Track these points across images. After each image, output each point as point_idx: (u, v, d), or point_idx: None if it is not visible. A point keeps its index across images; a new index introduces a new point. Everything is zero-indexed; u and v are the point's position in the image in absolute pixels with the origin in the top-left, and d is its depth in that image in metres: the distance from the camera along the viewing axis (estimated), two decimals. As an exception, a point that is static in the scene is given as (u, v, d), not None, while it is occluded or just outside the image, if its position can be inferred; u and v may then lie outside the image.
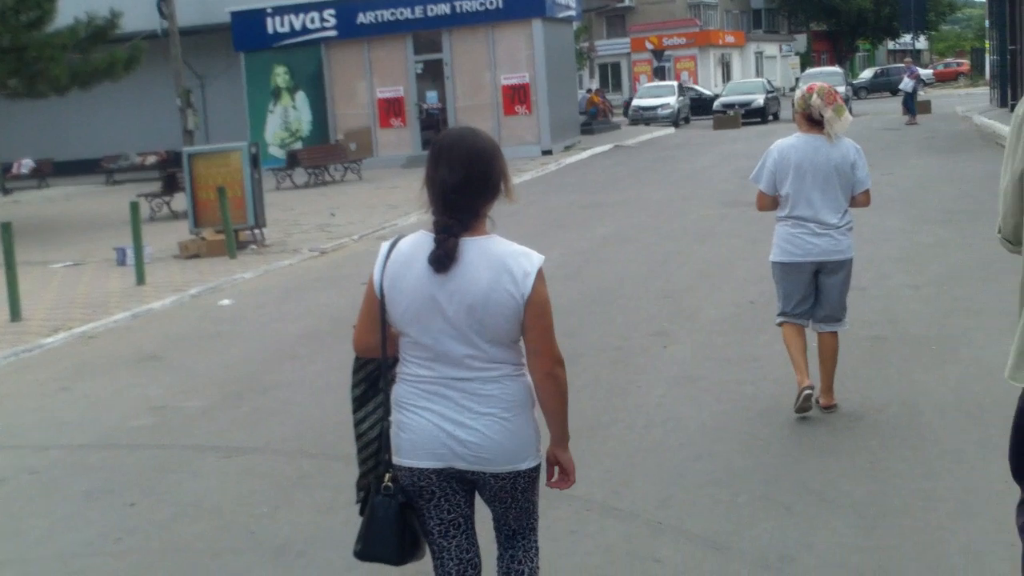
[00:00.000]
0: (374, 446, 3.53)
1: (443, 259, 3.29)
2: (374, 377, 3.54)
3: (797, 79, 58.62)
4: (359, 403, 3.57)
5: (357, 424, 3.58)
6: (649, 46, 66.10)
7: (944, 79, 74.89)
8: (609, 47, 72.46)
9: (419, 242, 3.36)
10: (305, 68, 31.84)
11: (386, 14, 30.91)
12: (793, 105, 6.92)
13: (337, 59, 31.89)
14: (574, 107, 35.46)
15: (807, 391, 6.68)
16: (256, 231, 16.86)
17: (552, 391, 3.44)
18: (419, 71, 31.63)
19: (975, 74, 71.69)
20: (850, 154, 6.62)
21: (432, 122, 31.77)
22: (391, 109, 31.64)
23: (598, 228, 16.24)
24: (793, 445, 6.48)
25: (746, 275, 11.45)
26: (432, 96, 31.75)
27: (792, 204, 6.61)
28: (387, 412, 3.48)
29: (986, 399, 6.93)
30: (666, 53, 65.31)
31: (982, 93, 49.81)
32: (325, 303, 12.17)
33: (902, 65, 72.03)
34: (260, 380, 9.02)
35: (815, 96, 6.56)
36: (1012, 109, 26.16)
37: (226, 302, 12.71)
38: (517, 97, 30.69)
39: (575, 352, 8.80)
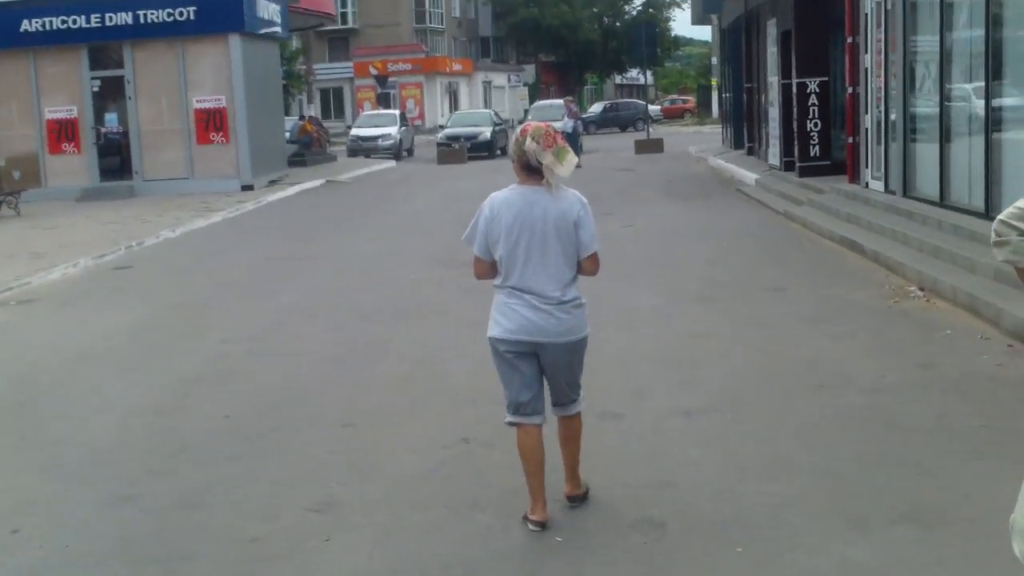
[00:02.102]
0: None
1: None
2: None
3: (526, 110, 56.93)
4: None
5: None
6: (373, 71, 63.12)
7: (671, 116, 75.13)
8: (331, 71, 69.13)
9: None
10: (-43, 80, 27.06)
11: (56, 22, 26.47)
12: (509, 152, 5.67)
13: (-3, 71, 27.26)
14: (280, 136, 31.82)
15: (535, 527, 5.51)
16: None
17: None
18: (96, 89, 27.31)
19: (702, 112, 72.09)
20: (573, 210, 5.41)
21: (112, 148, 27.53)
22: (63, 132, 27.19)
23: (282, 295, 12.83)
24: None
25: (462, 384, 8.33)
26: (112, 118, 27.42)
27: (506, 271, 5.44)
28: None
29: None
30: (391, 79, 62.46)
31: (711, 132, 49.20)
32: None
33: (633, 100, 72.04)
34: None
35: (529, 140, 5.33)
36: (749, 151, 24.44)
37: None
38: (212, 123, 26.86)
39: (177, 559, 5.42)
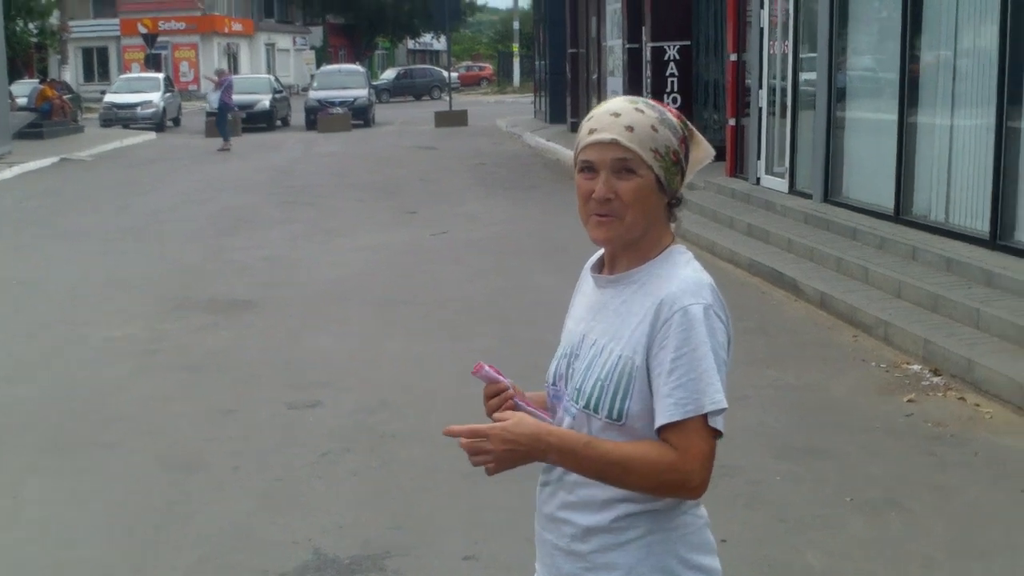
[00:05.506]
0: None
1: None
2: None
3: (312, 76, 51.60)
4: None
5: None
6: (142, 29, 56.34)
7: (467, 83, 70.75)
8: (96, 28, 62.06)
9: None
10: None
11: None
12: None
13: None
14: (3, 103, 25.80)
15: None
16: None
17: None
18: None
19: (502, 80, 67.99)
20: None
21: None
22: None
23: None
24: None
25: None
26: None
27: None
28: None
29: None
30: (161, 39, 55.89)
31: (514, 102, 45.09)
32: None
33: (429, 66, 67.22)
34: None
35: None
36: (574, 128, 20.02)
37: None
38: (-99, 87, 20.90)
39: None
